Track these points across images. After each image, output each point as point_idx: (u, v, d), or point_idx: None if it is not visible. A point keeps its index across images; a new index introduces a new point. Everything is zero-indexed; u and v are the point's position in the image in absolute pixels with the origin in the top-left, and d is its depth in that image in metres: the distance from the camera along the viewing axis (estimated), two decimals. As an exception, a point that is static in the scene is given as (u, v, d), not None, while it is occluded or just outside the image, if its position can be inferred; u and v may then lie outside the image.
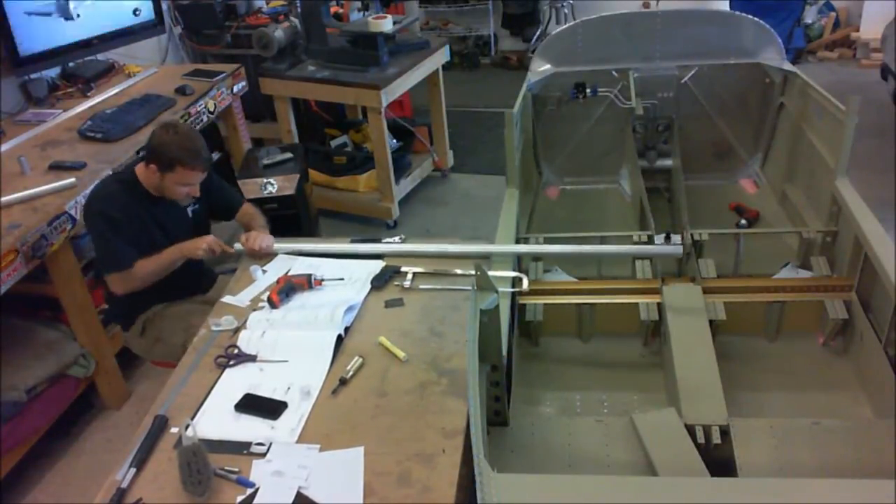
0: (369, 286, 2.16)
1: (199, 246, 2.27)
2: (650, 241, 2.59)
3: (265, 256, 2.34)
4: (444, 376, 1.80)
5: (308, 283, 2.12)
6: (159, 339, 2.43)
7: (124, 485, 1.56)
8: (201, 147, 2.25)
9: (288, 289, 2.11)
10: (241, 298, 2.17)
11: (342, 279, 2.16)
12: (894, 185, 3.62)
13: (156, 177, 2.23)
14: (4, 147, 2.92)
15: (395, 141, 4.02)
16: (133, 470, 1.59)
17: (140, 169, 2.29)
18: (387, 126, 3.76)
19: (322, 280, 2.14)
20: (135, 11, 3.67)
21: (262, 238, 2.33)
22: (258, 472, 1.58)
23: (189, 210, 2.43)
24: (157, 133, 2.24)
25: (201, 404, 1.79)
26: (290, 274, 2.19)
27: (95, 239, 2.32)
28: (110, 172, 2.71)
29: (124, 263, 2.24)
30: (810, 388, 2.26)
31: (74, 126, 3.06)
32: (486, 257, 2.29)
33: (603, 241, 2.77)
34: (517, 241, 2.56)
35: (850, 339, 2.32)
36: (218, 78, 3.50)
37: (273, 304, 2.07)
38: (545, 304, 2.40)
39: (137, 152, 2.86)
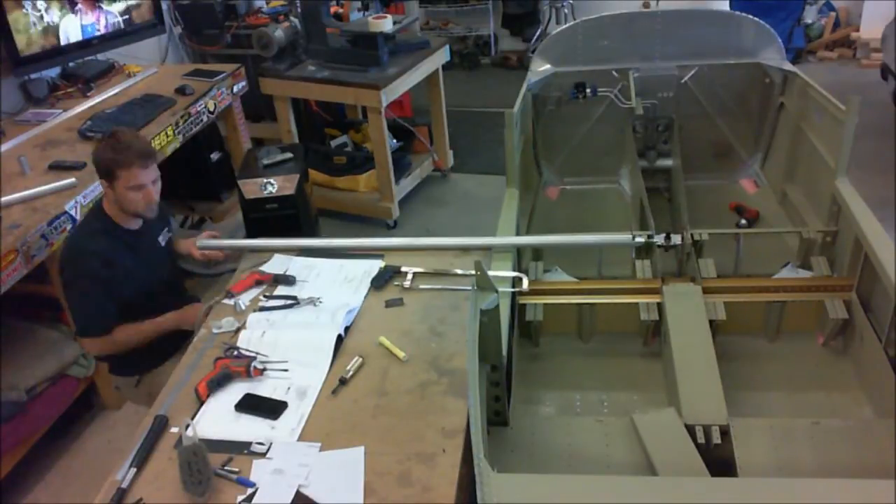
0: (368, 286, 2.16)
1: (195, 319, 2.12)
2: (650, 240, 2.58)
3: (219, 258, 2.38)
4: (444, 376, 1.80)
5: (247, 371, 1.84)
6: (151, 394, 2.13)
7: (124, 485, 1.56)
8: (134, 142, 2.09)
9: (222, 378, 1.83)
10: (241, 299, 2.17)
11: (286, 367, 1.87)
12: (894, 185, 3.62)
13: (111, 195, 2.12)
14: (4, 147, 2.92)
15: (395, 141, 4.02)
16: (133, 470, 1.59)
17: (105, 201, 2.18)
18: (387, 126, 3.77)
19: (264, 370, 1.85)
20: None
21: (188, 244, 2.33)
22: (258, 471, 1.58)
23: (161, 239, 2.32)
24: (95, 149, 2.12)
25: (201, 404, 1.79)
26: (232, 356, 1.91)
27: (73, 296, 2.13)
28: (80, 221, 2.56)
29: (102, 327, 2.12)
30: (810, 388, 2.25)
31: (74, 126, 3.06)
32: (485, 249, 2.29)
33: (603, 241, 2.77)
34: (517, 241, 2.56)
35: (850, 339, 2.32)
36: (218, 78, 3.50)
37: (199, 397, 1.80)
38: (545, 304, 2.40)
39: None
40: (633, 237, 2.34)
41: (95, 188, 2.64)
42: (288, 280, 2.21)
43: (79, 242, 2.19)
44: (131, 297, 2.18)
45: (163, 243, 2.36)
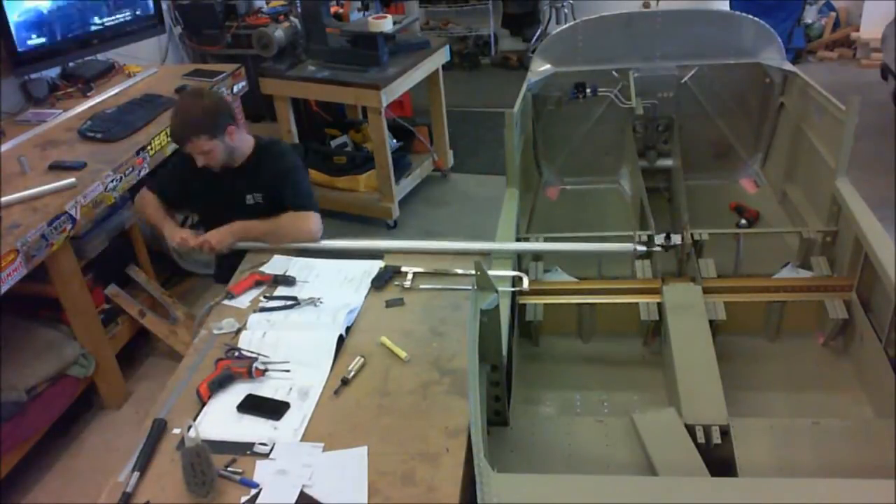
0: (368, 286, 2.17)
1: (174, 237, 2.43)
2: (650, 240, 2.58)
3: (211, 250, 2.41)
4: (446, 376, 1.81)
5: (248, 372, 1.84)
6: None
7: (129, 489, 1.56)
8: (187, 120, 2.29)
9: (223, 378, 1.84)
10: (241, 300, 2.17)
11: (288, 367, 1.88)
12: (894, 185, 3.63)
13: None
14: (4, 147, 2.91)
15: (395, 141, 4.02)
16: (136, 474, 1.60)
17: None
18: (387, 126, 3.77)
19: (265, 371, 1.86)
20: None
21: (212, 234, 2.38)
22: (262, 472, 1.59)
23: (249, 198, 2.44)
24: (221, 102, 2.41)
25: (203, 406, 1.79)
26: (233, 357, 1.92)
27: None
28: (111, 172, 2.72)
29: (150, 185, 2.59)
30: (810, 388, 2.26)
31: (74, 126, 3.06)
32: (486, 254, 2.30)
33: (603, 241, 2.77)
34: (517, 241, 2.56)
35: (850, 339, 2.32)
36: (218, 78, 3.50)
37: (201, 398, 1.81)
38: (545, 304, 2.41)
39: (137, 152, 2.87)
40: (635, 247, 2.32)
41: (95, 188, 2.65)
42: (288, 281, 2.21)
43: None
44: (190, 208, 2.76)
45: (249, 202, 2.45)
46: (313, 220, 2.38)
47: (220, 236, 2.38)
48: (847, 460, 1.83)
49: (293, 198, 2.40)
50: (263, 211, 2.42)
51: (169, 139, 3.05)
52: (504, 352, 1.87)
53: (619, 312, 2.39)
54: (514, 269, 2.27)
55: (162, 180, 2.59)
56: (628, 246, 2.34)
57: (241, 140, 2.41)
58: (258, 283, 2.22)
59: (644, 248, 2.31)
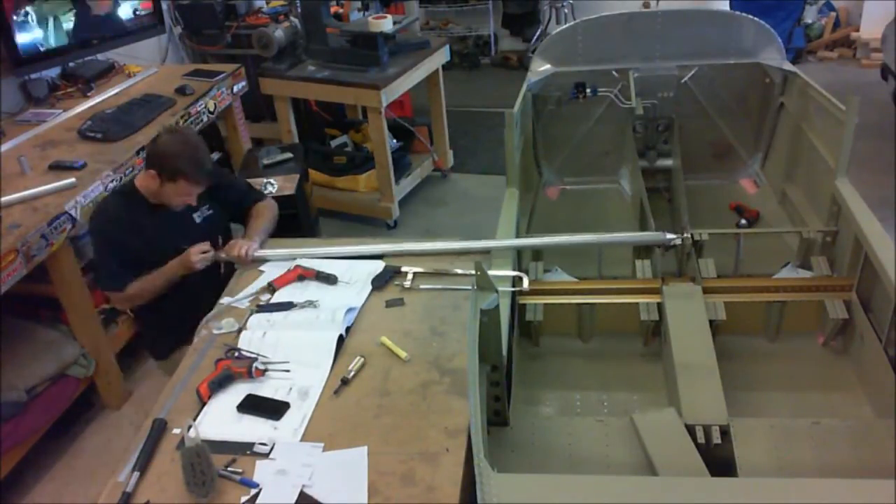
0: (370, 287, 2.16)
1: (193, 259, 2.21)
2: (683, 238, 2.55)
3: (249, 264, 2.28)
4: (446, 376, 1.81)
5: (248, 372, 1.83)
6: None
7: (129, 489, 1.56)
8: (207, 159, 2.22)
9: (223, 378, 1.83)
10: (241, 299, 2.17)
11: (288, 367, 1.88)
12: (894, 185, 3.63)
13: (154, 183, 2.18)
14: (4, 147, 2.92)
15: (395, 141, 4.03)
16: (136, 474, 1.59)
17: (140, 176, 2.26)
18: (387, 126, 3.77)
19: (265, 371, 1.85)
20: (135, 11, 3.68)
21: (241, 246, 2.27)
22: (262, 472, 1.59)
23: (197, 216, 2.36)
24: (164, 139, 2.18)
25: (203, 406, 1.79)
26: (233, 357, 1.90)
27: (95, 253, 2.35)
28: (111, 172, 2.72)
29: (116, 285, 2.25)
30: (810, 388, 2.26)
31: (74, 126, 3.06)
32: (486, 252, 2.30)
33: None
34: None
35: (850, 339, 2.32)
36: (218, 78, 3.50)
37: (201, 398, 1.80)
38: (545, 304, 2.41)
39: (137, 152, 2.87)
40: (665, 236, 2.26)
41: (95, 188, 2.65)
42: (329, 279, 2.18)
43: (103, 205, 2.37)
44: (157, 263, 2.27)
45: (198, 220, 2.38)
46: (272, 202, 2.55)
47: (247, 244, 2.29)
48: (847, 460, 1.83)
49: (242, 193, 2.53)
50: (216, 219, 2.41)
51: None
52: (504, 352, 1.87)
53: (619, 312, 2.39)
54: (514, 269, 2.27)
55: (120, 269, 2.24)
56: (659, 235, 2.33)
57: None
58: (301, 278, 2.19)
59: (674, 236, 2.27)
